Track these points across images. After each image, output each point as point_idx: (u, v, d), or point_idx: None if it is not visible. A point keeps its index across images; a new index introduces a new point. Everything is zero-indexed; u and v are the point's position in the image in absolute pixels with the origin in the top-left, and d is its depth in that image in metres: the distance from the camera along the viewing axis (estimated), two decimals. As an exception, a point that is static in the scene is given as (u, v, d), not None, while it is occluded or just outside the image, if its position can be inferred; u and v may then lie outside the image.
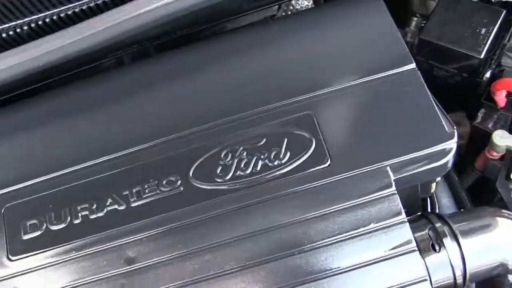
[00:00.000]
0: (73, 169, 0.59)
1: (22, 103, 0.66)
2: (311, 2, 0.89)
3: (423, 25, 0.96)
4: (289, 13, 0.85)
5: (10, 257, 0.58)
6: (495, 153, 0.66)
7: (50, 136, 0.62)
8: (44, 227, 0.58)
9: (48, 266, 0.57)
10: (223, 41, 0.66)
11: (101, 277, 0.55)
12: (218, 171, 0.55)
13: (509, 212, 0.56)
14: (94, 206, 0.57)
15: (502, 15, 0.72)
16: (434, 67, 0.75)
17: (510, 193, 0.63)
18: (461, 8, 0.74)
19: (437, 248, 0.53)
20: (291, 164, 0.55)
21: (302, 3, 0.93)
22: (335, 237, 0.52)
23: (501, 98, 0.68)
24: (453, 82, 0.77)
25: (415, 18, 0.98)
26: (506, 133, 0.64)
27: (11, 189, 0.60)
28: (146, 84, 0.62)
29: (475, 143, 0.74)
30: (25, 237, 0.58)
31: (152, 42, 0.75)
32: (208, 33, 0.79)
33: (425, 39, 0.74)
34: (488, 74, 0.70)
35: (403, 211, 0.53)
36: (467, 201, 0.73)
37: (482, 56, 0.69)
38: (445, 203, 0.75)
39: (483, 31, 0.70)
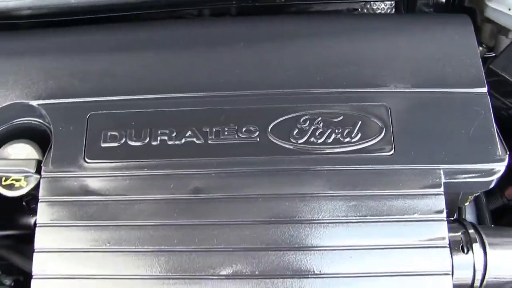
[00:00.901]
0: (162, 96, 0.67)
1: (125, 26, 0.74)
2: (388, 6, 0.97)
3: (486, 55, 1.05)
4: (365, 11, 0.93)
5: (86, 159, 0.66)
6: (528, 188, 0.75)
7: (149, 61, 0.70)
8: (123, 140, 0.66)
9: (120, 176, 0.64)
10: (319, 20, 0.73)
11: (165, 198, 0.63)
12: (295, 133, 0.63)
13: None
14: (174, 134, 0.65)
15: None
16: (493, 96, 0.83)
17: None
18: None
19: (465, 250, 0.61)
20: (359, 144, 0.63)
21: (379, 5, 1.01)
22: (382, 217, 0.60)
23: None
24: (506, 114, 0.84)
25: (480, 48, 1.05)
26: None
27: (99, 99, 0.68)
28: (247, 39, 0.70)
29: (508, 172, 0.83)
30: (104, 145, 0.66)
31: (239, 4, 0.82)
32: (294, 10, 0.86)
33: (494, 69, 0.81)
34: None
35: (445, 211, 0.61)
36: (488, 222, 0.82)
37: (541, 98, 0.78)
38: (468, 218, 0.84)
39: (549, 76, 0.78)
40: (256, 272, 0.58)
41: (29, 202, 0.77)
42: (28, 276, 0.71)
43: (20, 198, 0.75)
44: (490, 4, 0.89)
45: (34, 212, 0.78)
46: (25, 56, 0.74)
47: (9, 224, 0.77)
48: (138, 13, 0.76)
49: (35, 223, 0.76)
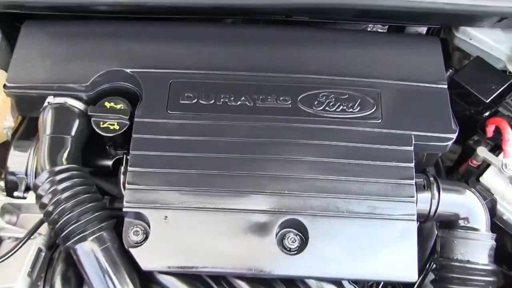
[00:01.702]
0: (225, 73, 1.00)
1: (196, 24, 1.09)
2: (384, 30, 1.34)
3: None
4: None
5: (168, 111, 0.98)
6: (475, 162, 1.08)
7: (216, 48, 1.04)
8: (195, 100, 0.98)
9: (193, 123, 0.96)
10: (338, 32, 1.12)
11: (225, 140, 0.94)
12: (315, 103, 0.97)
13: (474, 190, 0.98)
14: (233, 98, 0.98)
15: (510, 81, 1.15)
16: (455, 100, 1.18)
17: (476, 188, 1.05)
18: (485, 68, 1.17)
19: (425, 188, 0.94)
20: (358, 113, 0.97)
21: (376, 29, 1.37)
22: (369, 161, 0.93)
23: (490, 130, 1.10)
24: (463, 114, 1.17)
25: (450, 70, 1.42)
26: (486, 150, 1.06)
27: (179, 71, 1.01)
28: (287, 40, 1.05)
29: (463, 156, 1.16)
30: (182, 102, 0.98)
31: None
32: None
33: (456, 80, 1.16)
34: (487, 114, 1.14)
35: (414, 161, 0.94)
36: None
37: (487, 101, 1.12)
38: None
39: (494, 86, 1.14)
40: (286, 191, 0.90)
41: (110, 147, 1.07)
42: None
43: (105, 142, 1.06)
44: (457, 35, 1.25)
45: (112, 156, 1.09)
46: (123, 38, 1.06)
47: (94, 162, 1.06)
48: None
49: (112, 164, 1.07)
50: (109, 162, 1.07)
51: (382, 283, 1.05)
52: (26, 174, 1.04)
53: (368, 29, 1.29)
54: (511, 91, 1.15)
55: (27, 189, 1.04)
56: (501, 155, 1.06)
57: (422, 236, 1.12)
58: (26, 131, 1.10)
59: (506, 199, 1.05)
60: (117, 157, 1.07)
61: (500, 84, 1.15)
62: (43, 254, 1.02)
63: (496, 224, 1.08)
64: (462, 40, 1.25)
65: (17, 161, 1.04)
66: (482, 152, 1.07)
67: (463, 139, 1.16)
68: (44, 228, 1.02)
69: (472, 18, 1.15)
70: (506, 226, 1.08)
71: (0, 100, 1.10)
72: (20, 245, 0.97)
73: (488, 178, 1.06)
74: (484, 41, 1.20)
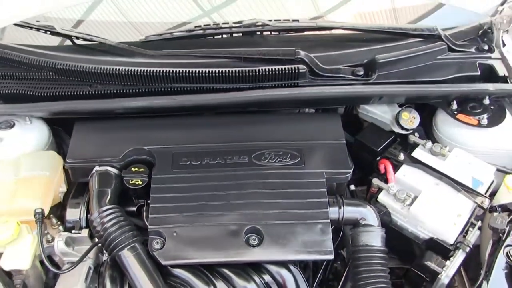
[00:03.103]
0: (206, 145, 1.74)
1: (194, 117, 1.87)
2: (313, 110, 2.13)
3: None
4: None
5: (173, 169, 1.69)
6: (373, 189, 1.79)
7: (200, 132, 1.80)
8: (189, 162, 1.71)
9: (189, 176, 1.67)
10: (269, 116, 1.91)
11: (209, 184, 1.65)
12: (263, 158, 1.71)
13: (368, 203, 1.68)
14: (212, 159, 1.71)
15: (392, 136, 1.91)
16: (360, 152, 1.92)
17: (376, 205, 1.75)
18: (377, 130, 1.94)
19: (334, 203, 1.62)
20: (289, 162, 1.70)
21: (309, 111, 2.16)
22: (296, 190, 1.63)
23: (382, 168, 1.83)
24: (365, 160, 1.91)
25: (363, 132, 2.20)
26: (378, 180, 1.77)
27: (178, 146, 1.75)
28: (242, 123, 1.83)
29: (368, 187, 1.87)
30: (180, 163, 1.71)
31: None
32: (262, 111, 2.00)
33: (359, 139, 1.93)
34: (379, 158, 1.87)
35: (325, 187, 1.64)
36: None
37: (378, 150, 1.87)
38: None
39: (382, 140, 1.89)
40: (248, 210, 1.58)
41: (135, 197, 1.75)
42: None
43: (131, 194, 1.74)
44: (359, 110, 2.05)
45: (136, 203, 1.76)
46: (140, 127, 1.82)
47: (124, 208, 1.73)
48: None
49: (136, 209, 1.75)
50: (134, 208, 1.76)
51: (328, 265, 1.76)
52: (79, 219, 1.72)
53: (305, 111, 2.09)
54: (393, 143, 1.93)
55: (80, 228, 1.71)
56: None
57: (347, 241, 1.80)
58: (75, 193, 1.81)
59: (395, 210, 1.75)
60: (139, 204, 1.76)
61: (386, 139, 1.92)
62: (91, 271, 1.66)
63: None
64: (363, 113, 2.04)
65: (73, 212, 1.73)
66: (376, 181, 1.79)
67: (367, 176, 1.90)
68: (92, 253, 1.68)
69: (364, 99, 1.95)
70: (400, 229, 1.77)
71: (59, 174, 1.81)
72: (78, 261, 1.61)
73: (382, 198, 1.77)
74: (375, 112, 2.00)
